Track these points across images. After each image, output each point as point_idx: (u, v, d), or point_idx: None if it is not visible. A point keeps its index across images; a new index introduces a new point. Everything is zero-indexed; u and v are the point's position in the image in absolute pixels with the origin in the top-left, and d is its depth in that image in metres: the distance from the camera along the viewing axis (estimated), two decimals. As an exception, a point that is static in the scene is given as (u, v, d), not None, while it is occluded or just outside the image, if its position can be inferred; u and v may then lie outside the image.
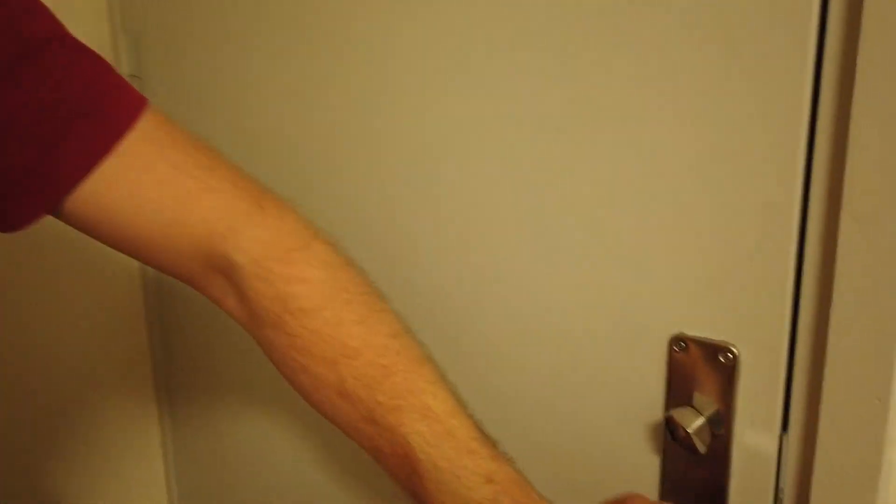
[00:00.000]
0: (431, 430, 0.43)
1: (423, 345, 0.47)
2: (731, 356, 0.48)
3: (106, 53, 0.47)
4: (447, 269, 0.62)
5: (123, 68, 0.79)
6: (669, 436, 0.51)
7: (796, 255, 0.45)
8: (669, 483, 0.53)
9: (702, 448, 0.49)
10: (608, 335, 0.54)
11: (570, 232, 0.54)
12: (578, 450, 0.58)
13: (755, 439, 0.48)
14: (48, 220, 0.44)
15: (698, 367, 0.50)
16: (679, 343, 0.51)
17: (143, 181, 0.43)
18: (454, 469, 0.42)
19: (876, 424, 0.41)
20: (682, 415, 0.49)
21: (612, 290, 0.53)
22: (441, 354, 0.47)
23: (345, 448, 0.73)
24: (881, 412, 0.41)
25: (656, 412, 0.53)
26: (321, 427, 0.69)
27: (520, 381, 0.60)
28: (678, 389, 0.51)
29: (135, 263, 0.89)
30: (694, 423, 0.49)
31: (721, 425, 0.49)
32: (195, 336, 0.88)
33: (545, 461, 0.61)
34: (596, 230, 0.53)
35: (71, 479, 0.92)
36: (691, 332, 0.50)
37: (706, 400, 0.50)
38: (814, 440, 0.45)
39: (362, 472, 0.78)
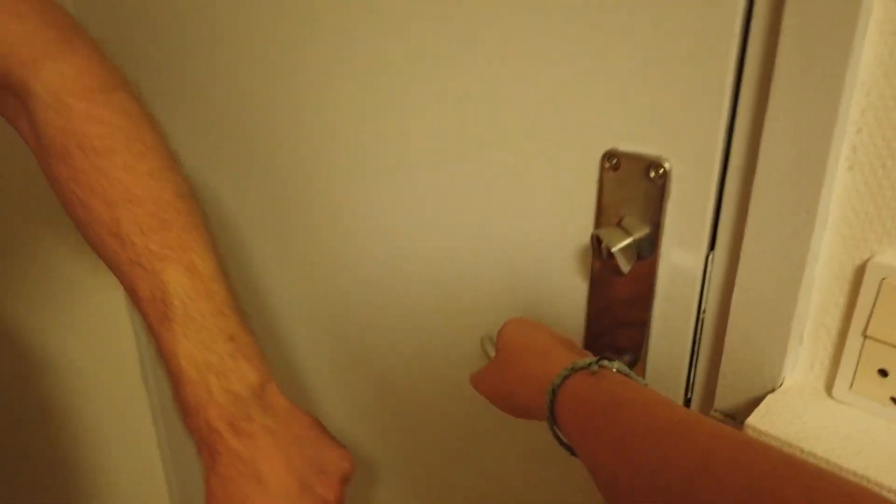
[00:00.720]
0: (192, 285, 0.46)
1: (203, 213, 0.49)
2: (663, 171, 0.45)
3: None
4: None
5: None
6: (596, 255, 0.49)
7: (736, 61, 0.40)
8: (595, 305, 0.52)
9: (625, 268, 0.47)
10: (540, 153, 0.51)
11: (495, 36, 0.49)
12: (509, 273, 0.57)
13: (681, 258, 0.46)
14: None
15: (629, 185, 0.46)
16: (610, 159, 0.47)
17: None
18: (203, 321, 0.46)
19: (802, 236, 0.39)
20: (608, 234, 0.47)
21: (542, 104, 0.49)
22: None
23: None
24: (807, 224, 0.38)
25: (586, 235, 0.51)
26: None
27: (448, 203, 0.58)
28: (609, 210, 0.48)
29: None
30: (620, 243, 0.46)
31: (650, 247, 0.47)
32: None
33: (477, 285, 0.60)
34: (520, 33, 0.48)
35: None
36: (623, 146, 0.46)
37: (636, 221, 0.47)
38: (738, 257, 0.42)
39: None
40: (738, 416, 0.45)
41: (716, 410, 0.46)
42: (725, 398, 0.46)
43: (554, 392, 0.38)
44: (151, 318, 0.46)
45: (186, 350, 0.45)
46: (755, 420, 0.40)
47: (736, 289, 0.43)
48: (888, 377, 0.38)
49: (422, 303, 0.64)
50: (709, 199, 0.44)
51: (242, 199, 0.76)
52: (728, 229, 0.44)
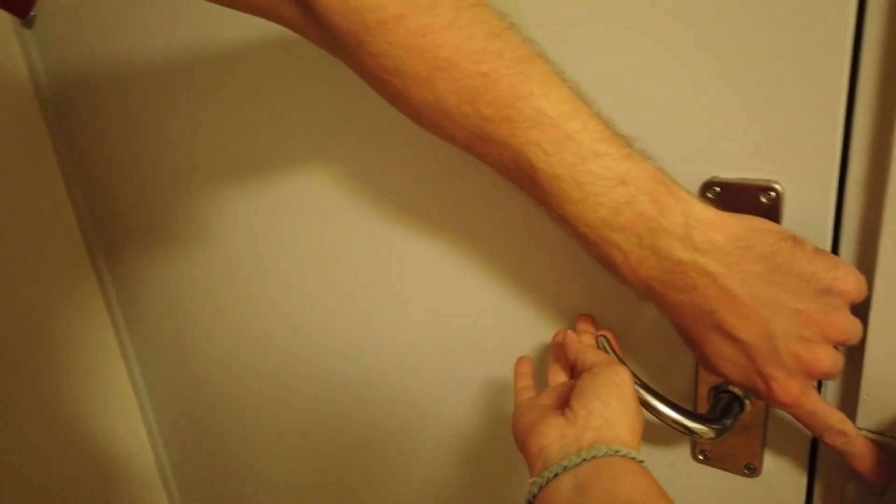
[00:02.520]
0: (547, 137, 0.38)
1: (529, 40, 0.40)
2: (775, 194, 0.44)
3: None
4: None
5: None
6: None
7: (850, 67, 0.39)
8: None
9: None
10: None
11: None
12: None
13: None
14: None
15: (737, 212, 0.45)
16: (712, 188, 0.46)
17: None
18: (577, 175, 0.38)
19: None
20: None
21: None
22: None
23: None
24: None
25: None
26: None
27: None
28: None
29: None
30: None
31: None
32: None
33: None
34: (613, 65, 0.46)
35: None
36: (725, 174, 0.45)
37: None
38: (870, 272, 0.41)
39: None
40: (889, 433, 0.44)
41: (861, 430, 0.45)
42: (870, 416, 0.44)
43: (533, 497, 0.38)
44: (526, 188, 0.41)
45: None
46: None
47: (872, 305, 0.42)
48: None
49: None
50: (828, 219, 0.43)
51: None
52: (853, 246, 0.43)
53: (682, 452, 0.56)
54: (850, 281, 0.39)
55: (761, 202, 0.44)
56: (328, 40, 0.42)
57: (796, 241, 0.39)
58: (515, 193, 0.44)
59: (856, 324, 0.40)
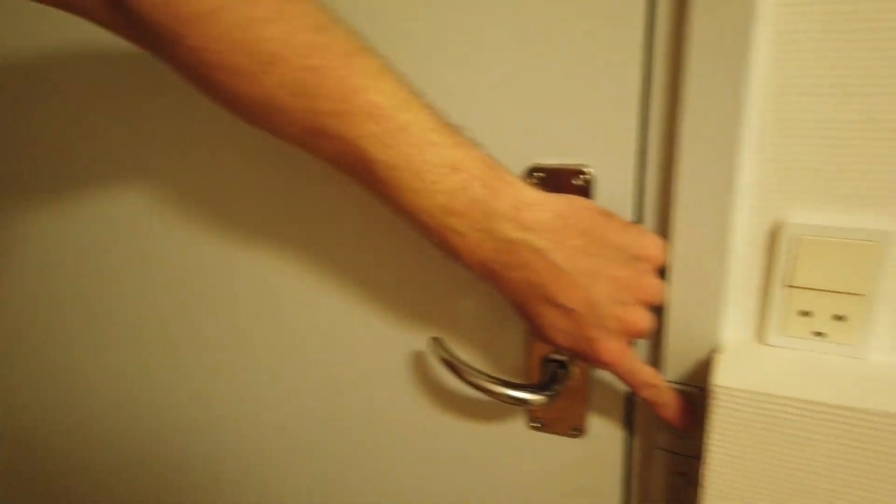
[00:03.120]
0: (383, 129, 0.39)
1: (356, 34, 0.40)
2: (586, 177, 0.48)
3: None
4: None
5: None
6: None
7: (642, 67, 0.45)
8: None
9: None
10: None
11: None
12: (452, 292, 0.57)
13: (613, 252, 0.50)
14: None
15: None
16: (535, 174, 0.50)
17: None
18: (413, 165, 0.40)
19: (725, 211, 0.44)
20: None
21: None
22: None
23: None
24: (728, 200, 0.44)
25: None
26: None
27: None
28: (536, 219, 0.51)
29: None
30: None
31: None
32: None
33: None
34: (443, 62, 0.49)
35: None
36: (546, 160, 0.49)
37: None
38: (669, 241, 0.47)
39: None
40: (688, 383, 0.51)
41: (668, 382, 0.51)
42: (673, 369, 0.51)
43: None
44: (365, 183, 0.42)
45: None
46: (722, 380, 0.45)
47: (672, 270, 0.48)
48: (810, 317, 0.46)
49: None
50: (631, 195, 0.48)
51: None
52: (653, 219, 0.48)
53: (517, 423, 0.60)
54: (655, 247, 0.45)
55: (576, 184, 0.49)
56: (140, 34, 0.40)
57: (608, 215, 0.44)
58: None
59: (662, 285, 0.46)
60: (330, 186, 0.59)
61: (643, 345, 0.52)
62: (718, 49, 0.41)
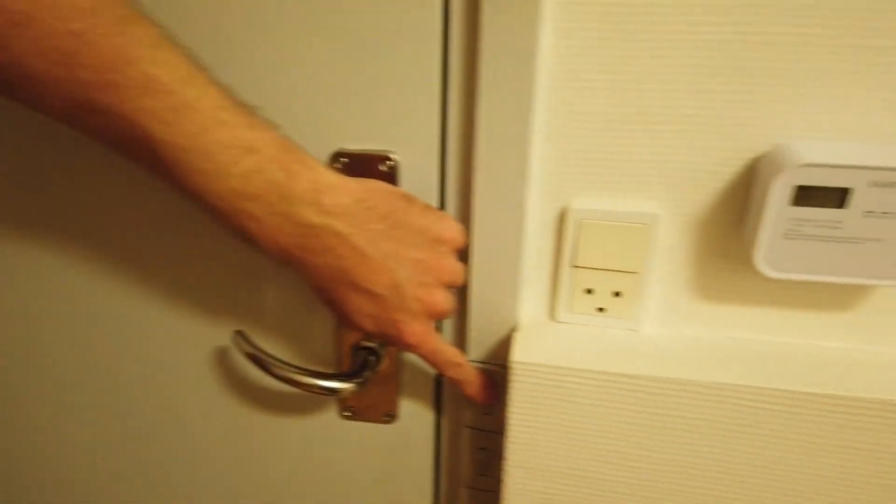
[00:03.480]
0: (164, 105, 0.35)
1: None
2: (392, 163, 0.49)
3: None
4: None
5: None
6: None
7: (441, 60, 0.46)
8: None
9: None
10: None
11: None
12: (255, 282, 0.55)
13: (418, 238, 0.51)
14: None
15: (361, 180, 0.49)
16: (339, 159, 0.49)
17: None
18: (201, 146, 0.37)
19: (519, 197, 0.47)
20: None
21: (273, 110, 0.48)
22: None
23: None
24: (521, 187, 0.47)
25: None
26: None
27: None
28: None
29: None
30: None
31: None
32: None
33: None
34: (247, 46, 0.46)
35: None
36: (351, 146, 0.49)
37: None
38: (468, 226, 0.49)
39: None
40: (491, 360, 0.53)
41: (471, 361, 0.53)
42: (476, 348, 0.53)
43: None
44: (147, 164, 0.38)
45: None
46: (519, 356, 0.47)
47: (472, 255, 0.49)
48: (593, 294, 0.50)
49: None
50: (434, 183, 0.49)
51: None
52: (455, 205, 0.50)
53: (329, 413, 0.59)
54: (454, 230, 0.47)
55: (381, 170, 0.49)
56: None
57: (409, 199, 0.45)
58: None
59: (462, 267, 0.48)
60: (108, 169, 0.54)
61: (448, 325, 0.54)
62: (508, 43, 0.43)
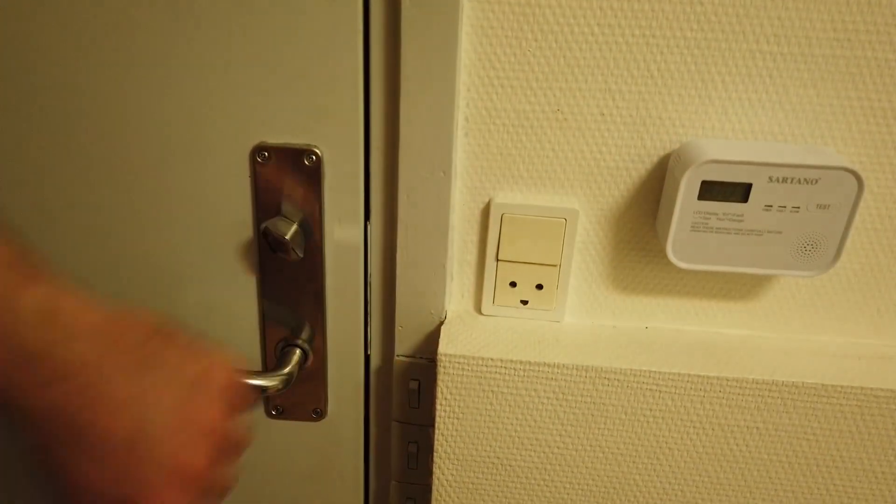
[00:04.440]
0: None
1: None
2: (315, 158, 0.49)
3: None
4: None
5: None
6: (267, 248, 0.50)
7: (363, 58, 0.46)
8: (270, 295, 0.53)
9: (299, 253, 0.50)
10: (186, 153, 0.49)
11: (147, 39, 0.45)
12: (176, 284, 0.54)
13: (343, 234, 0.51)
14: None
15: (284, 175, 0.49)
16: (261, 153, 0.49)
17: None
18: None
19: (443, 192, 0.48)
20: (276, 225, 0.49)
21: (189, 104, 0.47)
22: None
23: None
24: (445, 182, 0.47)
25: (247, 229, 0.51)
26: None
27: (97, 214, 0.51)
28: (266, 201, 0.50)
29: None
30: (289, 231, 0.49)
31: (312, 229, 0.51)
32: None
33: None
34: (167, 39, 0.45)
35: None
36: (273, 139, 0.49)
37: (294, 208, 0.50)
38: (393, 221, 0.50)
39: None
40: (418, 354, 0.54)
41: (399, 356, 0.54)
42: (404, 342, 0.53)
43: None
44: None
45: None
46: (445, 348, 0.48)
47: (398, 249, 0.50)
48: (516, 287, 0.51)
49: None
50: (359, 178, 0.50)
51: None
52: (380, 200, 0.50)
53: (256, 412, 0.59)
54: (224, 372, 0.37)
55: (305, 164, 0.49)
56: None
57: (168, 333, 0.37)
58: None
59: (226, 414, 0.37)
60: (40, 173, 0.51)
61: (375, 320, 0.54)
62: (429, 39, 0.44)
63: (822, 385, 0.47)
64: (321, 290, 0.53)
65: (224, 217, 0.51)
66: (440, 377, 0.49)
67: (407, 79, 0.45)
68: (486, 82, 0.46)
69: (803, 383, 0.47)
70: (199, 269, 0.53)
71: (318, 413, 0.58)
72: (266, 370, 0.54)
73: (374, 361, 0.56)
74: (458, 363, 0.48)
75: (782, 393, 0.48)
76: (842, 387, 0.47)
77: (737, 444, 0.50)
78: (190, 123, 0.48)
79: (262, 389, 0.51)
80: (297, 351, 0.54)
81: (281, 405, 0.58)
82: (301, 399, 0.58)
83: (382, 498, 0.62)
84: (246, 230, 0.51)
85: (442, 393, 0.49)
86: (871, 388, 0.47)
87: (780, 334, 0.52)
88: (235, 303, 0.54)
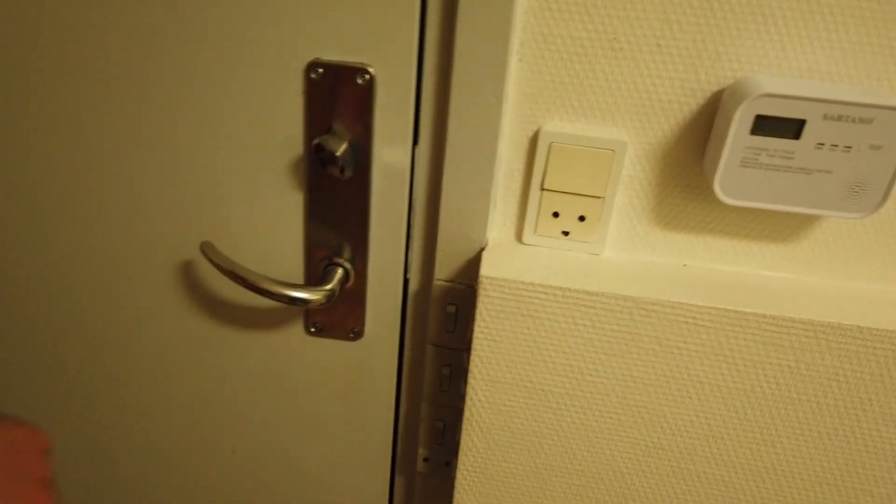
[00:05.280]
0: None
1: None
2: (368, 77, 0.49)
3: None
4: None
5: None
6: (316, 165, 0.51)
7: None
8: (316, 214, 0.54)
9: (349, 172, 0.51)
10: (242, 68, 0.50)
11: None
12: (222, 200, 0.55)
13: (392, 156, 0.52)
14: None
15: (337, 93, 0.50)
16: (315, 69, 0.49)
17: None
18: None
19: (493, 118, 0.48)
20: (328, 140, 0.50)
21: (247, 18, 0.48)
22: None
23: None
24: (496, 108, 0.48)
25: (297, 146, 0.52)
26: None
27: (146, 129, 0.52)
28: (317, 118, 0.51)
29: None
30: (341, 148, 0.50)
31: (361, 149, 0.52)
32: None
33: (202, 219, 0.56)
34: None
35: None
36: (327, 56, 0.49)
37: (344, 126, 0.51)
38: (441, 145, 0.50)
39: None
40: (457, 280, 0.55)
41: (438, 280, 0.55)
42: (444, 267, 0.55)
43: None
44: None
45: None
46: (487, 272, 0.49)
47: (444, 174, 0.51)
48: (559, 217, 0.52)
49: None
50: (410, 99, 0.50)
51: None
52: (429, 123, 0.51)
53: (295, 328, 0.61)
54: (38, 439, 0.35)
55: (358, 83, 0.49)
56: None
57: None
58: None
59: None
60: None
61: (417, 245, 0.55)
62: (492, -42, 0.43)
63: (859, 327, 0.48)
64: (366, 210, 0.54)
65: (275, 133, 0.52)
66: (480, 299, 0.50)
67: (464, 2, 0.45)
68: (543, 6, 0.46)
69: (840, 324, 0.48)
70: (246, 186, 0.54)
71: (356, 333, 0.60)
72: (305, 284, 0.56)
73: (413, 285, 0.57)
74: (500, 286, 0.49)
75: (818, 333, 0.48)
76: (878, 330, 0.48)
77: (767, 383, 0.50)
78: (246, 37, 0.49)
79: (306, 302, 0.52)
80: (340, 269, 0.56)
81: (320, 323, 0.60)
82: (340, 318, 0.59)
83: (413, 419, 0.64)
84: (296, 147, 0.52)
85: (481, 315, 0.50)
86: (907, 334, 0.48)
87: (820, 279, 0.52)
88: (281, 220, 0.55)
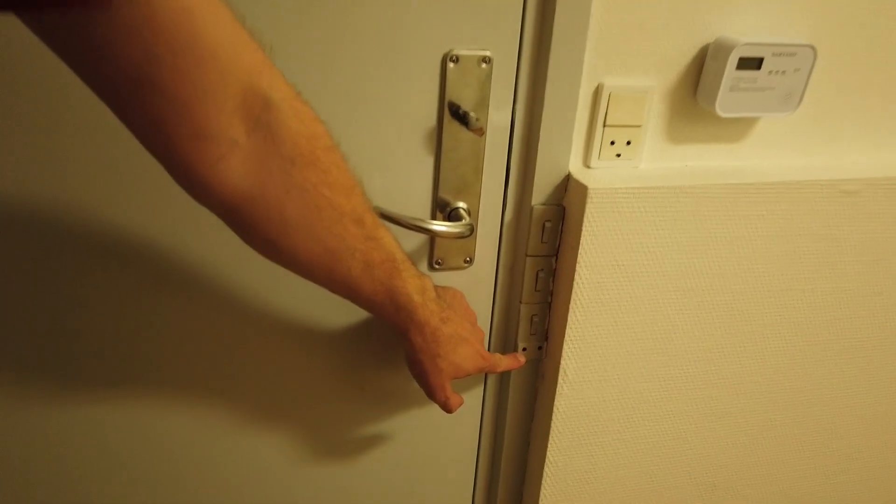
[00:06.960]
0: (396, 244, 0.59)
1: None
2: (491, 61, 0.68)
3: None
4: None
5: None
6: (458, 121, 0.69)
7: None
8: (444, 170, 0.72)
9: (485, 128, 0.70)
10: (390, 58, 0.66)
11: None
12: (367, 164, 0.70)
13: (498, 117, 0.71)
14: None
15: (466, 75, 0.68)
16: (452, 58, 0.67)
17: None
18: (406, 262, 0.61)
19: (574, 77, 0.70)
20: (462, 103, 0.68)
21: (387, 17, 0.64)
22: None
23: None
24: (577, 75, 0.69)
25: (432, 119, 0.69)
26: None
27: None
28: (451, 94, 0.68)
29: None
30: (471, 109, 0.68)
31: (482, 114, 0.70)
32: None
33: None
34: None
35: None
36: (459, 49, 0.67)
37: (470, 100, 0.69)
38: (538, 103, 0.71)
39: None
40: (551, 202, 0.76)
41: (535, 204, 0.75)
42: (538, 195, 0.75)
43: None
44: (383, 275, 0.58)
45: (413, 286, 0.61)
46: (592, 184, 0.71)
47: (542, 125, 0.71)
48: (614, 144, 0.75)
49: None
50: (512, 74, 0.70)
51: None
52: (525, 87, 0.71)
53: (420, 265, 0.77)
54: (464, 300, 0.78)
55: (482, 67, 0.68)
56: (258, 163, 0.46)
57: (447, 294, 0.74)
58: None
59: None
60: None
61: (514, 174, 0.75)
62: None
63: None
64: (481, 163, 0.72)
65: (415, 108, 0.68)
66: (588, 206, 0.71)
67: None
68: (602, 22, 0.68)
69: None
70: (386, 155, 0.70)
71: (469, 261, 0.78)
72: (454, 223, 0.73)
73: (509, 214, 0.77)
74: (602, 193, 0.71)
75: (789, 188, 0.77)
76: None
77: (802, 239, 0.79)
78: (391, 33, 0.65)
79: (464, 235, 0.70)
80: (462, 211, 0.74)
81: (441, 258, 0.77)
82: (457, 252, 0.77)
83: (513, 316, 0.83)
84: (431, 120, 0.69)
85: (587, 218, 0.72)
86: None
87: (768, 160, 0.82)
88: (410, 182, 0.71)
